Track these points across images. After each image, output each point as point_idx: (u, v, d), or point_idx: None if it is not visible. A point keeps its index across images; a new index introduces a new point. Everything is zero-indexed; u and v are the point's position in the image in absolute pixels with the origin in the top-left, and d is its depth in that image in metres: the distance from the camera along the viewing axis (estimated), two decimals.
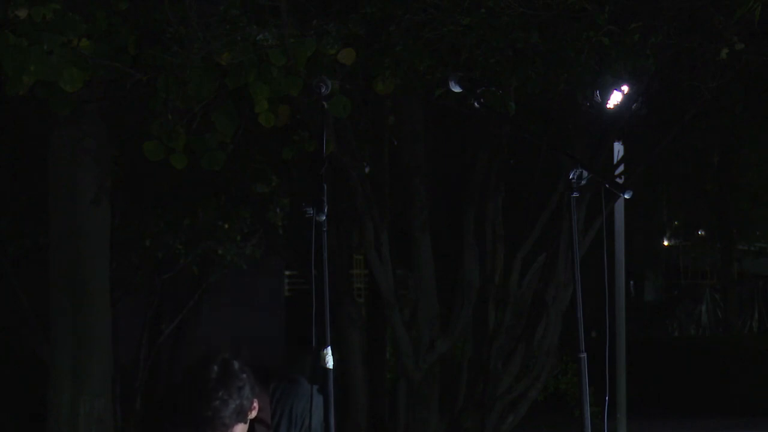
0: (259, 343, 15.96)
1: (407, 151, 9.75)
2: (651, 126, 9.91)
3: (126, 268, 12.74)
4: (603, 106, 8.81)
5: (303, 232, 9.52)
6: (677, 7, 7.43)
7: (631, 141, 10.77)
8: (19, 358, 13.73)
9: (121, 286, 12.31)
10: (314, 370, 4.05)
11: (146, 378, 13.88)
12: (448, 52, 7.23)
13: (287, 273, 19.57)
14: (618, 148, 10.96)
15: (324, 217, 3.99)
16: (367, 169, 10.23)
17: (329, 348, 3.96)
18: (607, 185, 4.38)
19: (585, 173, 4.30)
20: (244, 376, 4.23)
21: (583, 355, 4.29)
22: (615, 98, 8.76)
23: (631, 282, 25.94)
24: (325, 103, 4.26)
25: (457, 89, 4.68)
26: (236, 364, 4.23)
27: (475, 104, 4.66)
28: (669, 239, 27.54)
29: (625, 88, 8.51)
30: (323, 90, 4.20)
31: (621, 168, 10.42)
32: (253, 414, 4.28)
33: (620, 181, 9.66)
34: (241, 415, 4.21)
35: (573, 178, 4.30)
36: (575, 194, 4.34)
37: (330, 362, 3.96)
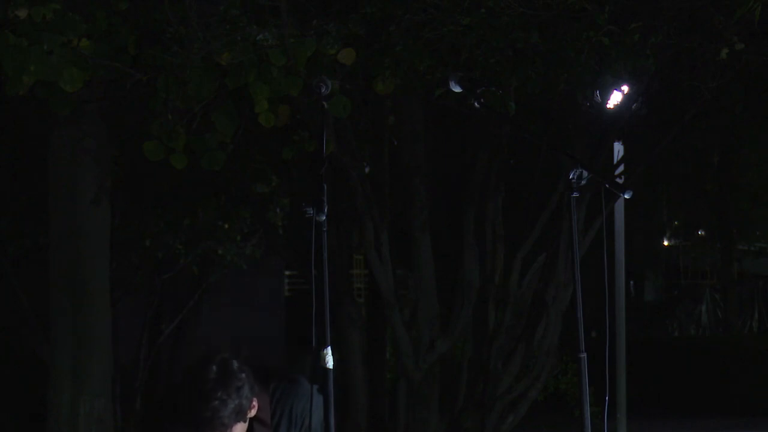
0: (259, 343, 15.95)
1: (407, 151, 9.75)
2: (651, 126, 9.91)
3: (126, 268, 12.74)
4: (603, 106, 8.81)
5: (303, 232, 9.53)
6: (677, 7, 7.43)
7: (631, 141, 10.77)
8: (19, 358, 13.73)
9: (121, 286, 12.31)
10: (314, 370, 4.05)
11: (146, 378, 13.87)
12: (448, 52, 7.23)
13: (287, 273, 19.57)
14: (618, 148, 10.96)
15: (324, 217, 3.99)
16: (367, 169, 10.23)
17: (329, 348, 3.96)
18: (607, 185, 4.38)
19: (585, 173, 4.30)
20: (243, 375, 4.22)
21: (583, 355, 4.29)
22: (615, 98, 8.76)
23: (631, 282, 25.93)
24: (325, 103, 4.26)
25: (457, 89, 4.67)
26: (235, 364, 4.23)
27: (475, 104, 4.66)
28: (669, 239, 27.54)
29: (625, 88, 8.51)
30: (323, 90, 4.20)
31: (621, 168, 10.42)
32: (253, 413, 4.28)
33: (620, 181, 9.66)
34: (240, 415, 4.21)
35: (573, 178, 4.30)
36: (575, 194, 4.34)
37: (330, 362, 3.96)
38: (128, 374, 13.40)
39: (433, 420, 9.84)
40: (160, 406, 4.39)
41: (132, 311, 13.47)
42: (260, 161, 10.41)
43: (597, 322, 5.30)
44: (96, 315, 8.99)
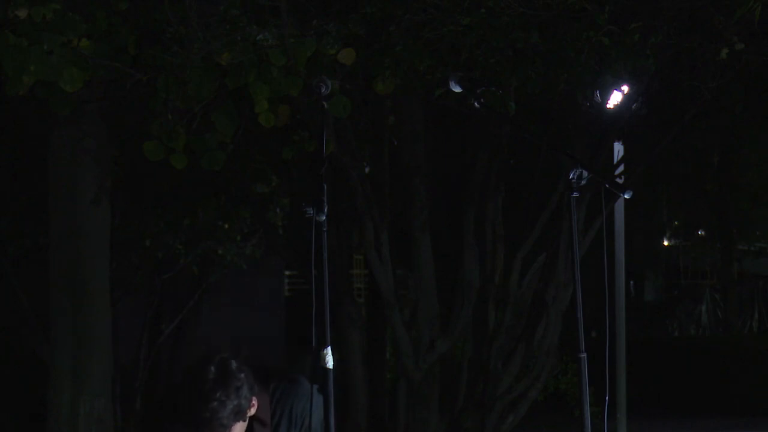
0: (259, 343, 15.95)
1: (407, 151, 9.75)
2: (651, 126, 9.91)
3: (126, 268, 12.73)
4: (603, 106, 8.81)
5: (303, 232, 9.52)
6: (677, 7, 7.43)
7: (631, 141, 10.77)
8: (19, 358, 13.72)
9: (121, 286, 12.30)
10: (314, 370, 4.05)
11: (146, 378, 13.87)
12: (448, 52, 7.23)
13: (287, 273, 19.57)
14: (618, 148, 10.96)
15: (324, 217, 3.99)
16: (367, 169, 10.23)
17: (329, 348, 3.96)
18: (607, 185, 4.38)
19: (585, 173, 4.30)
20: (242, 375, 4.22)
21: (583, 355, 4.29)
22: (615, 98, 8.76)
23: (631, 282, 25.93)
24: (325, 103, 4.26)
25: (457, 89, 4.67)
26: (234, 364, 4.23)
27: (475, 104, 4.66)
28: (669, 239, 27.54)
29: (625, 88, 8.51)
30: (323, 90, 4.20)
31: (621, 168, 10.42)
32: (252, 411, 4.28)
33: (620, 181, 9.66)
34: (239, 415, 4.21)
35: (573, 178, 4.30)
36: (575, 194, 4.34)
37: (330, 362, 3.96)
38: (128, 374, 13.39)
39: (433, 420, 9.84)
40: (160, 406, 4.39)
41: (132, 311, 13.46)
42: (260, 161, 10.40)
43: (597, 322, 5.30)
44: (96, 315, 8.99)
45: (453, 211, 10.17)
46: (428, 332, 9.73)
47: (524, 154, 10.72)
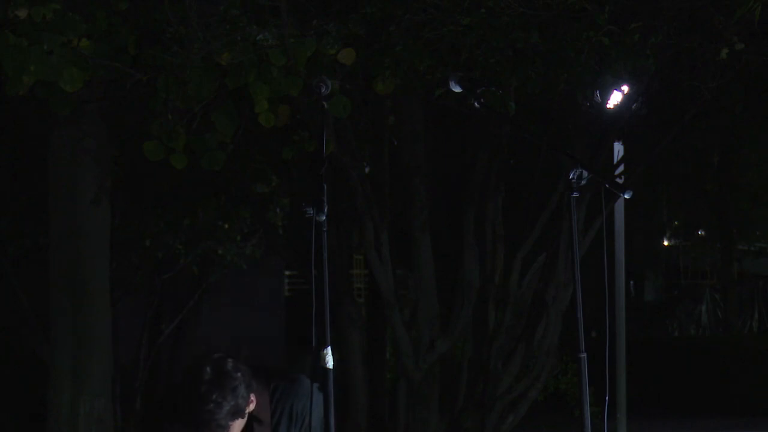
0: (259, 343, 15.96)
1: (407, 151, 9.75)
2: (651, 126, 9.91)
3: (126, 268, 12.73)
4: (603, 106, 8.81)
5: (303, 232, 9.53)
6: (677, 7, 7.43)
7: (631, 141, 10.77)
8: (19, 358, 13.73)
9: (121, 286, 12.30)
10: (314, 370, 4.05)
11: (146, 378, 13.87)
12: (448, 52, 7.23)
13: (287, 273, 19.57)
14: (618, 148, 10.96)
15: (324, 217, 3.99)
16: (367, 169, 10.23)
17: (329, 348, 3.96)
18: (607, 185, 4.38)
19: (585, 173, 4.30)
20: (239, 374, 4.22)
21: (583, 355, 4.29)
22: (615, 98, 8.76)
23: (631, 282, 25.93)
24: (325, 103, 4.26)
25: (457, 89, 4.67)
26: (229, 364, 4.23)
27: (475, 104, 4.66)
28: (669, 239, 27.54)
29: (625, 88, 8.51)
30: (323, 90, 4.20)
31: (621, 168, 10.42)
32: (251, 407, 4.29)
33: (620, 181, 9.66)
34: (237, 414, 4.21)
35: (573, 178, 4.30)
36: (575, 194, 4.34)
37: (330, 362, 3.96)
38: (128, 374, 13.39)
39: (433, 420, 9.84)
40: (160, 406, 4.39)
41: (132, 311, 13.46)
42: (260, 161, 10.41)
43: (597, 322, 5.30)
44: (96, 315, 8.99)
45: (453, 211, 10.17)
46: (428, 332, 9.73)
47: (524, 154, 10.72)
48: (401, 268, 11.18)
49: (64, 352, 8.91)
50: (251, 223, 13.34)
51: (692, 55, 7.84)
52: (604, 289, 4.50)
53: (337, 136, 8.80)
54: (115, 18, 6.92)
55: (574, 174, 4.30)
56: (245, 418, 4.28)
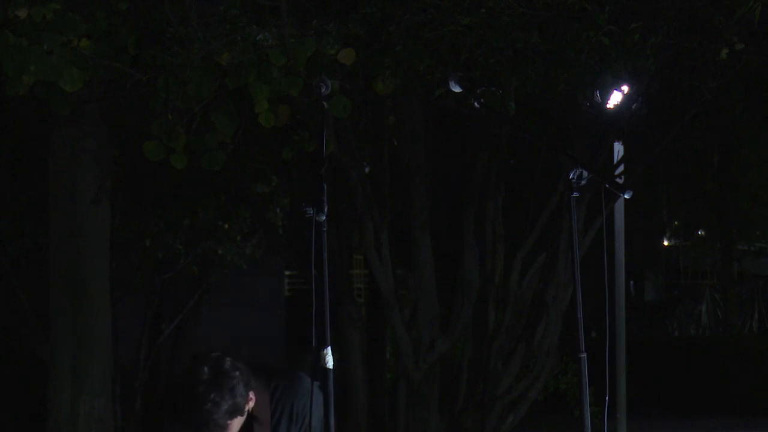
0: (259, 343, 15.98)
1: (407, 151, 9.75)
2: (651, 126, 9.91)
3: (126, 268, 12.74)
4: (603, 106, 8.81)
5: (303, 232, 9.53)
6: (677, 7, 7.43)
7: (631, 141, 10.76)
8: (19, 358, 13.73)
9: (121, 286, 12.31)
10: (314, 370, 4.05)
11: (146, 378, 13.87)
12: (448, 52, 7.23)
13: (287, 273, 19.57)
14: (618, 148, 10.96)
15: (324, 217, 3.99)
16: (367, 169, 10.23)
17: (329, 348, 3.95)
18: (607, 185, 4.38)
19: (585, 173, 4.29)
20: (237, 373, 4.22)
21: (583, 355, 4.29)
22: (615, 98, 8.76)
23: (631, 282, 25.93)
24: (325, 103, 4.26)
25: (457, 89, 4.67)
26: (227, 363, 4.23)
27: (475, 104, 4.66)
28: (669, 239, 27.53)
29: (625, 88, 8.51)
30: (323, 90, 4.20)
31: (621, 168, 10.42)
32: (251, 405, 4.29)
33: (620, 181, 9.66)
34: (236, 413, 4.21)
35: (573, 178, 4.30)
36: (575, 194, 4.34)
37: (330, 362, 3.96)
38: (128, 374, 13.40)
39: (433, 420, 9.84)
40: (160, 407, 4.40)
41: (132, 311, 13.47)
42: (260, 161, 10.40)
43: (597, 322, 5.30)
44: (96, 315, 8.99)
45: (453, 211, 10.17)
46: (428, 332, 9.73)
47: (524, 154, 10.72)
48: (401, 268, 11.18)
49: (64, 352, 8.91)
50: (251, 223, 13.34)
51: (692, 55, 7.84)
52: (604, 289, 4.50)
53: (337, 136, 8.80)
54: (115, 18, 6.92)
55: (574, 174, 4.29)
56: (245, 416, 4.28)
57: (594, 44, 7.15)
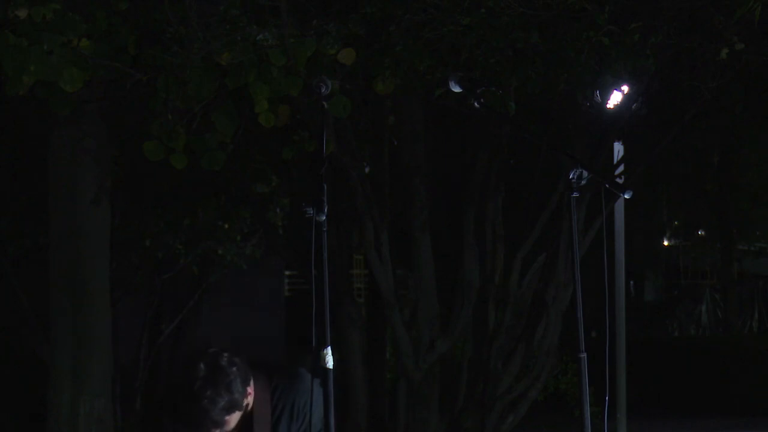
0: (259, 343, 15.96)
1: (407, 151, 9.75)
2: (651, 126, 9.91)
3: (126, 268, 12.74)
4: (603, 106, 8.81)
5: (303, 232, 9.53)
6: (677, 7, 7.43)
7: (631, 141, 10.76)
8: (19, 358, 13.73)
9: (121, 286, 12.31)
10: (314, 371, 4.06)
11: (146, 378, 13.88)
12: (448, 52, 7.23)
13: (287, 273, 19.57)
14: (618, 148, 10.96)
15: (324, 217, 3.99)
16: (367, 169, 10.23)
17: (329, 348, 3.96)
18: (607, 185, 4.38)
19: (585, 173, 4.30)
20: (234, 369, 4.23)
21: (583, 355, 4.29)
22: (615, 98, 8.76)
23: (631, 282, 25.92)
24: (325, 103, 4.26)
25: (457, 89, 4.67)
26: (224, 359, 4.23)
27: (475, 104, 4.66)
28: (669, 239, 27.53)
29: (625, 88, 8.51)
30: (323, 90, 4.20)
31: (621, 168, 10.42)
32: (249, 400, 4.29)
33: (620, 181, 9.66)
34: (233, 408, 4.22)
35: (573, 178, 4.30)
36: (575, 194, 4.34)
37: (330, 362, 3.96)
38: (128, 374, 13.40)
39: (433, 420, 9.84)
40: (160, 406, 4.40)
41: (132, 311, 13.47)
42: (260, 161, 10.40)
43: (597, 322, 5.30)
44: (96, 315, 8.99)
45: (453, 211, 10.17)
46: (428, 332, 9.73)
47: (524, 154, 10.72)
48: (401, 268, 11.18)
49: (64, 352, 8.91)
50: (251, 223, 13.35)
51: (692, 55, 7.84)
52: (604, 289, 4.50)
53: (337, 136, 8.80)
54: (115, 18, 6.92)
55: (574, 174, 4.30)
56: (243, 411, 4.27)
57: (594, 44, 7.15)
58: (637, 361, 16.15)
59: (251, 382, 4.31)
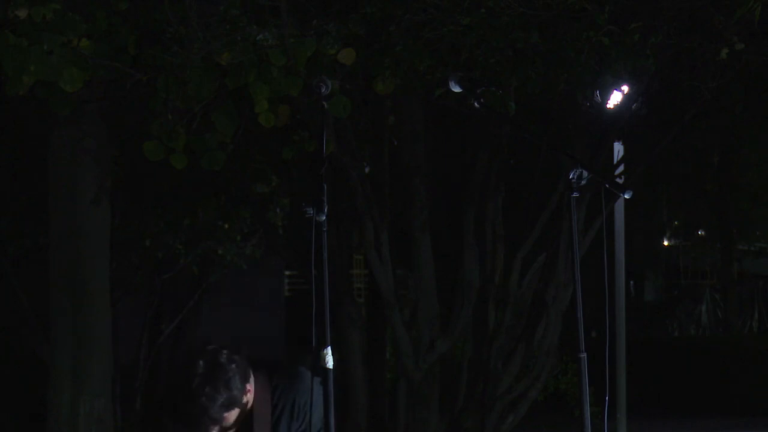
0: (259, 343, 15.93)
1: (407, 151, 9.75)
2: (651, 126, 9.91)
3: (126, 268, 12.74)
4: (603, 106, 8.81)
5: (303, 232, 9.53)
6: (677, 7, 7.43)
7: (631, 141, 10.76)
8: (19, 358, 13.73)
9: (121, 286, 12.31)
10: (314, 371, 4.06)
11: (146, 378, 13.88)
12: (448, 52, 7.22)
13: (287, 273, 19.58)
14: (618, 148, 10.96)
15: (324, 217, 3.99)
16: (367, 169, 10.23)
17: (329, 348, 3.96)
18: (607, 185, 4.38)
19: (585, 173, 4.30)
20: (233, 366, 4.23)
21: (583, 355, 4.29)
22: (615, 98, 8.76)
23: (631, 282, 25.92)
24: (325, 103, 4.26)
25: (457, 89, 4.67)
26: (224, 356, 4.23)
27: (475, 104, 4.66)
28: (669, 239, 27.53)
29: (625, 88, 8.51)
30: (323, 90, 4.20)
31: (621, 168, 10.42)
32: (248, 396, 4.28)
33: (620, 181, 9.66)
34: (231, 405, 4.21)
35: (573, 178, 4.30)
36: (575, 194, 4.34)
37: (330, 362, 3.96)
38: (128, 374, 13.40)
39: (433, 420, 9.84)
40: (160, 406, 4.39)
41: (132, 311, 13.47)
42: (260, 161, 10.41)
43: (597, 322, 5.30)
44: (96, 315, 8.99)
45: (453, 211, 10.17)
46: (428, 332, 9.73)
47: (524, 154, 10.72)
48: (401, 268, 11.18)
49: (64, 352, 8.91)
50: (251, 223, 13.35)
51: (692, 55, 7.84)
52: (604, 289, 4.51)
53: (337, 136, 8.80)
54: (115, 18, 6.93)
55: (574, 174, 4.30)
56: (242, 409, 4.27)
57: (594, 44, 7.15)
58: (637, 361, 16.15)
59: (251, 380, 4.31)
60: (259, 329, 17.27)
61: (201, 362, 4.19)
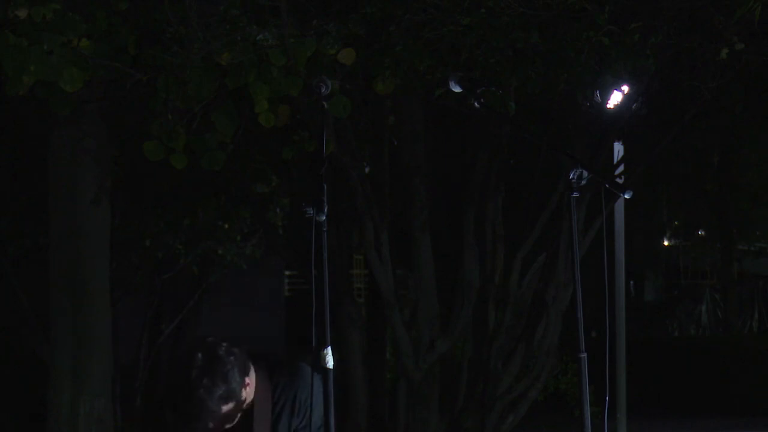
0: (259, 343, 15.91)
1: (407, 151, 9.75)
2: (651, 126, 9.91)
3: (126, 268, 12.74)
4: (603, 106, 8.81)
5: (303, 232, 9.53)
6: (677, 7, 7.43)
7: (631, 141, 10.77)
8: (19, 358, 13.73)
9: (121, 286, 12.31)
10: (314, 370, 4.06)
11: (146, 378, 13.88)
12: (448, 52, 7.23)
13: (287, 273, 19.58)
14: (618, 148, 10.96)
15: (324, 217, 3.99)
16: (367, 169, 10.23)
17: (329, 348, 3.96)
18: (607, 185, 4.38)
19: (585, 173, 4.29)
20: (231, 358, 4.22)
21: (583, 355, 4.29)
22: (615, 98, 8.76)
23: (631, 282, 25.91)
24: (325, 103, 4.26)
25: (457, 89, 4.67)
26: (222, 349, 4.23)
27: (475, 104, 4.66)
28: (669, 239, 27.53)
29: (625, 88, 8.51)
30: (323, 90, 4.20)
31: (621, 168, 10.42)
32: (247, 390, 4.27)
33: (620, 181, 9.66)
34: (230, 398, 4.20)
35: (573, 178, 4.30)
36: (575, 194, 4.34)
37: (330, 362, 3.96)
38: (128, 374, 13.39)
39: (433, 420, 9.84)
40: (161, 405, 4.38)
41: (132, 311, 13.47)
42: (260, 161, 10.41)
43: (597, 322, 5.30)
44: (96, 315, 8.99)
45: (453, 211, 10.17)
46: (428, 332, 9.73)
47: (524, 154, 10.72)
48: (401, 268, 11.18)
49: (64, 352, 8.91)
50: (251, 223, 13.35)
51: (692, 55, 7.84)
52: (604, 289, 4.50)
53: (337, 136, 8.80)
54: (115, 18, 6.93)
55: (574, 174, 4.30)
56: (241, 403, 4.26)
57: (594, 44, 7.15)
58: (637, 361, 16.15)
59: (250, 373, 4.30)
60: (259, 329, 17.26)
61: (199, 354, 4.19)
